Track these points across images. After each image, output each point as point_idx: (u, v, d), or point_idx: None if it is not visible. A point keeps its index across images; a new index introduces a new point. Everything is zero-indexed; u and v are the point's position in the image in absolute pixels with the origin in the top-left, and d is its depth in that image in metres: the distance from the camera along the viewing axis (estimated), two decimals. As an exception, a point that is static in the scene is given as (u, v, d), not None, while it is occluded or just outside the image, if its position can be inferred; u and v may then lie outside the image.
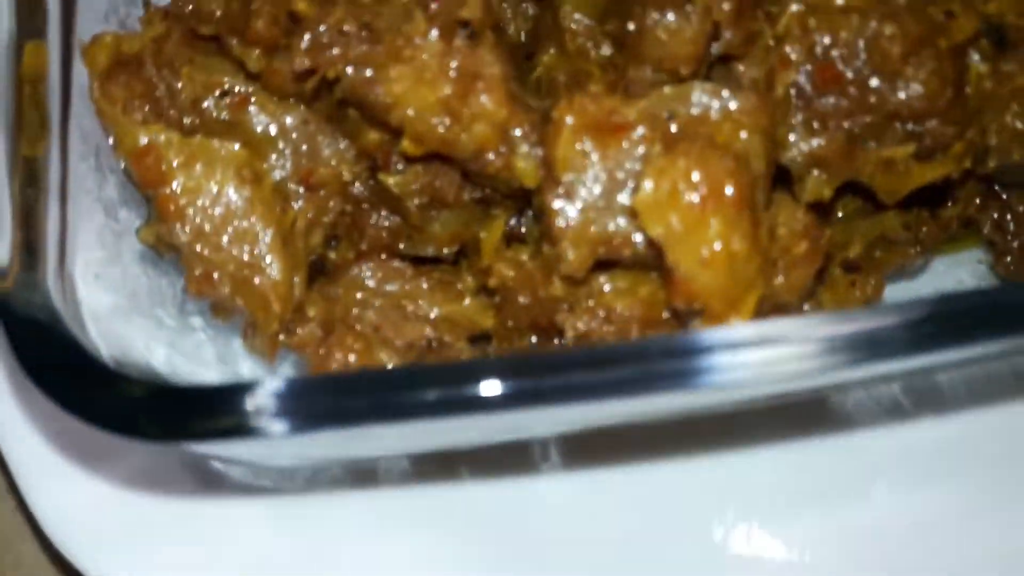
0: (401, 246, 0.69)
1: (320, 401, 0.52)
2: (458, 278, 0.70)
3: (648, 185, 0.57)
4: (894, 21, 0.60)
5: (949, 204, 0.73)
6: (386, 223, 0.68)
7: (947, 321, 0.51)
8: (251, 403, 0.52)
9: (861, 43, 0.60)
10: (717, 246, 0.56)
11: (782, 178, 0.63)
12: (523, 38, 0.69)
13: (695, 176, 0.56)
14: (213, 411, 0.51)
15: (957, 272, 0.77)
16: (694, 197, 0.56)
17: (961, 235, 0.76)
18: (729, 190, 0.56)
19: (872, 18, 0.60)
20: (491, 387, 0.51)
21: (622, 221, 0.60)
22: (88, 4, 0.67)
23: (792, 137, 0.62)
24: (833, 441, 0.72)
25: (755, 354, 0.50)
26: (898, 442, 0.72)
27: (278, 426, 0.52)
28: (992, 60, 0.64)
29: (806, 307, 0.67)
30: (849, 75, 0.60)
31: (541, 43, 0.67)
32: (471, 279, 0.69)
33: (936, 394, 0.73)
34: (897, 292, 0.74)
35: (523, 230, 0.69)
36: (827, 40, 0.61)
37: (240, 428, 0.51)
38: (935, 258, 0.76)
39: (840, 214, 0.71)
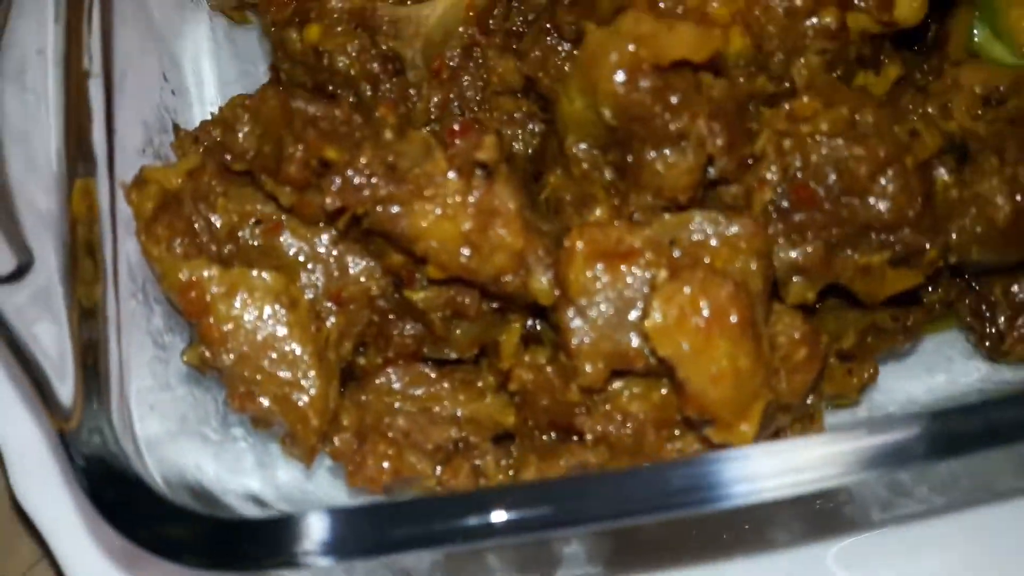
0: (425, 351, 0.74)
1: (362, 534, 0.57)
2: (479, 377, 0.75)
3: (657, 314, 0.62)
4: (861, 144, 0.65)
5: (931, 291, 0.78)
6: (411, 331, 0.73)
7: (949, 437, 0.56)
8: (299, 540, 0.57)
9: (830, 165, 0.65)
10: (724, 364, 0.62)
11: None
12: (530, 154, 0.75)
13: (700, 303, 0.62)
14: (262, 547, 0.56)
15: (945, 350, 0.82)
16: (700, 322, 0.62)
17: (943, 316, 0.81)
18: (733, 317, 0.61)
19: (841, 141, 0.65)
20: (518, 513, 0.56)
21: (634, 338, 0.65)
22: (125, 139, 0.71)
23: (775, 248, 0.67)
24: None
25: (772, 481, 0.55)
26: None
27: (323, 561, 0.57)
28: (955, 172, 0.70)
29: (809, 399, 0.72)
30: (822, 193, 0.66)
31: (548, 165, 0.72)
32: (492, 378, 0.74)
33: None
34: (887, 369, 0.79)
35: (538, 328, 0.74)
36: (799, 162, 0.66)
37: (288, 563, 0.56)
38: (925, 338, 0.82)
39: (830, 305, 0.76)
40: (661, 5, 0.66)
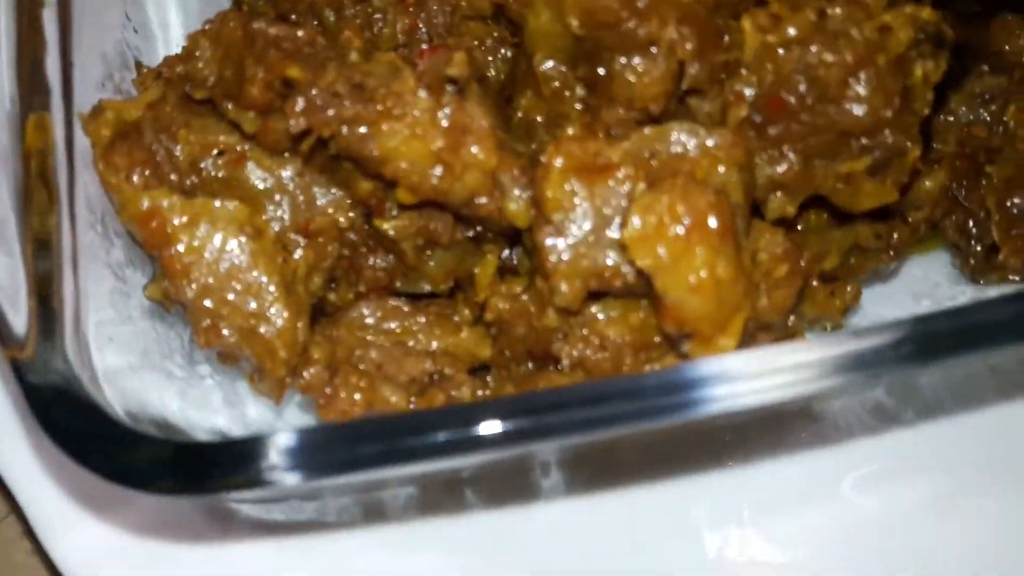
0: (398, 285, 0.72)
1: (330, 452, 0.55)
2: (455, 311, 0.73)
3: (636, 220, 0.60)
4: (830, 48, 0.63)
5: (917, 209, 0.76)
6: (383, 264, 0.71)
7: (926, 340, 0.54)
8: (264, 459, 0.55)
9: (801, 74, 0.63)
10: (703, 273, 0.60)
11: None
12: (502, 79, 0.72)
13: (679, 210, 0.60)
14: (228, 467, 0.54)
15: (932, 275, 0.80)
16: (679, 229, 0.60)
17: (929, 237, 0.80)
18: (712, 221, 0.60)
19: (810, 48, 0.63)
20: (492, 426, 0.54)
21: (612, 254, 0.63)
22: (84, 72, 0.69)
23: (755, 162, 0.66)
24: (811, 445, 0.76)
25: (750, 384, 0.54)
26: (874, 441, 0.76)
27: (290, 478, 0.55)
28: (935, 59, 0.67)
29: (790, 321, 0.71)
30: (795, 103, 0.64)
31: (519, 87, 0.70)
32: (468, 312, 0.72)
33: (915, 393, 0.77)
34: (872, 296, 0.78)
35: (515, 262, 0.72)
36: (772, 74, 0.64)
37: (254, 482, 0.54)
38: (909, 261, 0.80)
39: (813, 225, 0.74)
40: None
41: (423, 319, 0.71)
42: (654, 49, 0.63)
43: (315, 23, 0.73)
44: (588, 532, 0.73)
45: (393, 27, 0.74)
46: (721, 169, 0.62)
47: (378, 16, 0.74)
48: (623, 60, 0.63)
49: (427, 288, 0.72)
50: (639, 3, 0.62)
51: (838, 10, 0.65)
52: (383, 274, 0.71)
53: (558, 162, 0.62)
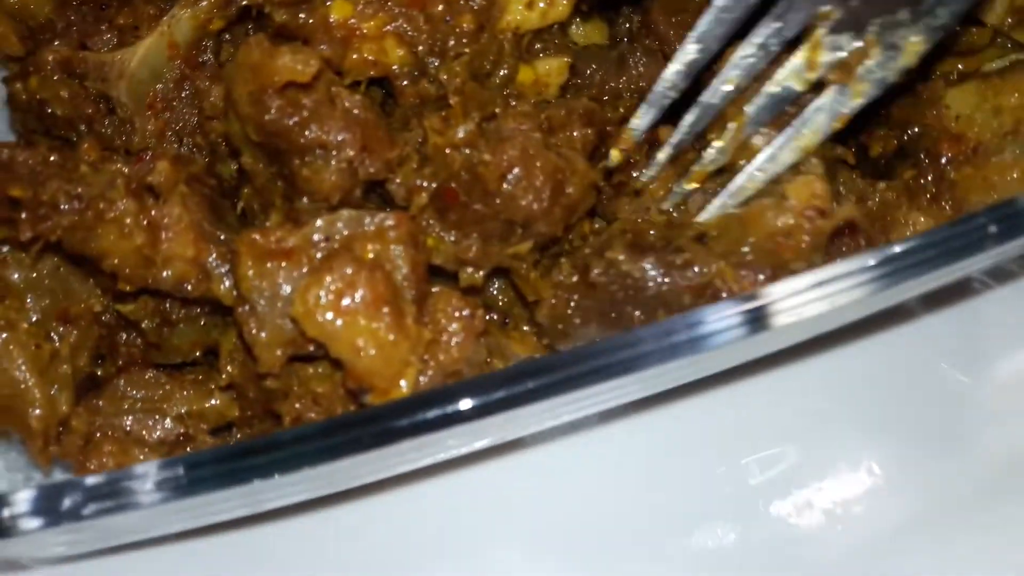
0: (152, 357, 0.83)
1: (61, 504, 0.65)
2: (210, 378, 0.84)
3: (300, 297, 0.70)
4: (489, 150, 0.74)
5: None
6: (137, 341, 0.82)
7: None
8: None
9: (466, 170, 0.74)
10: (362, 340, 0.70)
11: (442, 272, 0.78)
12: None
13: (338, 287, 0.70)
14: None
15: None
16: (338, 303, 0.70)
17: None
18: (367, 296, 0.70)
19: (473, 150, 0.74)
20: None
21: (295, 326, 0.73)
22: None
23: (440, 239, 0.76)
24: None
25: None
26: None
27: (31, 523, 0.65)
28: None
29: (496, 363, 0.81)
30: (463, 195, 0.74)
31: (242, 182, 0.81)
32: (221, 378, 0.83)
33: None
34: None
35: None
36: (444, 169, 0.75)
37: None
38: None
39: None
40: (303, 22, 0.75)
41: (177, 387, 0.82)
42: (322, 151, 0.73)
43: (74, 136, 0.84)
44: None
45: (142, 133, 0.85)
46: (388, 247, 0.73)
47: (127, 126, 0.85)
48: (297, 161, 0.74)
49: (179, 360, 0.82)
50: (301, 114, 0.73)
51: (506, 117, 0.76)
52: (136, 350, 0.82)
53: (243, 250, 0.73)
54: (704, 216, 0.77)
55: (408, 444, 0.65)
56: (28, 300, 0.80)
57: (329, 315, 0.70)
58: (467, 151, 0.74)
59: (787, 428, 0.89)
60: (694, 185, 0.79)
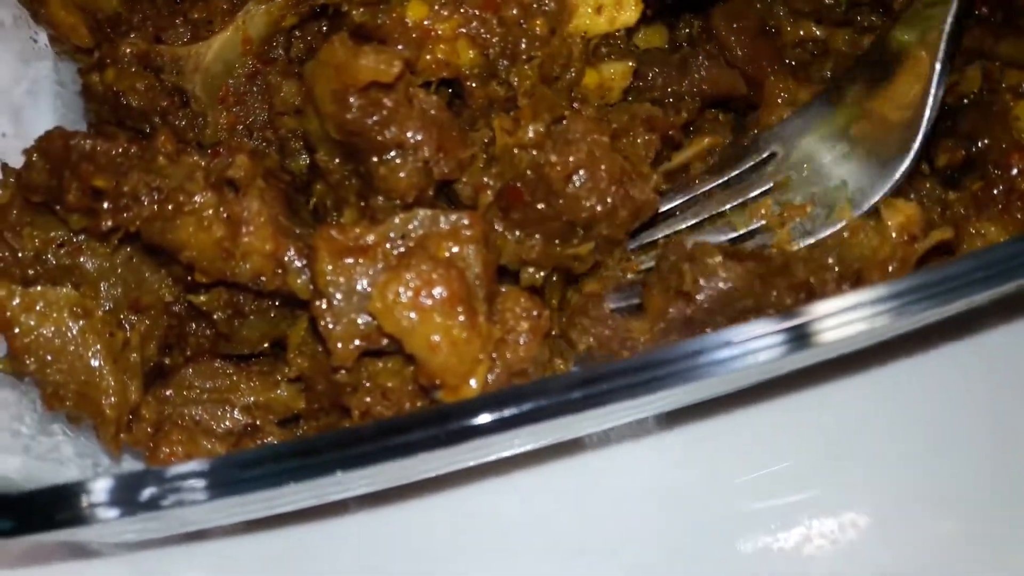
0: (221, 348, 0.84)
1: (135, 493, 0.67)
2: (277, 369, 0.85)
3: (380, 293, 0.72)
4: (556, 152, 0.74)
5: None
6: (207, 332, 0.84)
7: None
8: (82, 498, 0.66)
9: (533, 170, 0.75)
10: (438, 336, 0.71)
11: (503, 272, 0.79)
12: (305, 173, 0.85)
13: (413, 283, 0.71)
14: (39, 512, 0.66)
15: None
16: (414, 300, 0.71)
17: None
18: (440, 289, 0.71)
19: (540, 151, 0.75)
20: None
21: (372, 321, 0.74)
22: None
23: (505, 240, 0.78)
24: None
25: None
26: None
27: (109, 512, 0.66)
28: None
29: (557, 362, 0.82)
30: (528, 195, 0.75)
31: (314, 178, 0.82)
32: (288, 369, 0.84)
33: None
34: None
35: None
36: (511, 168, 0.76)
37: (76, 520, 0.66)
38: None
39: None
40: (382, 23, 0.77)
41: (244, 376, 0.83)
42: (399, 150, 0.74)
43: (136, 131, 0.86)
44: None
45: (215, 126, 0.86)
46: (461, 246, 0.74)
47: (201, 118, 0.86)
48: (375, 159, 0.75)
49: (246, 351, 0.84)
50: (381, 113, 0.74)
51: (574, 120, 0.77)
52: (205, 340, 0.83)
53: (321, 245, 0.74)
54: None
55: (485, 440, 0.66)
56: (102, 288, 0.81)
57: (407, 311, 0.71)
58: (534, 152, 0.75)
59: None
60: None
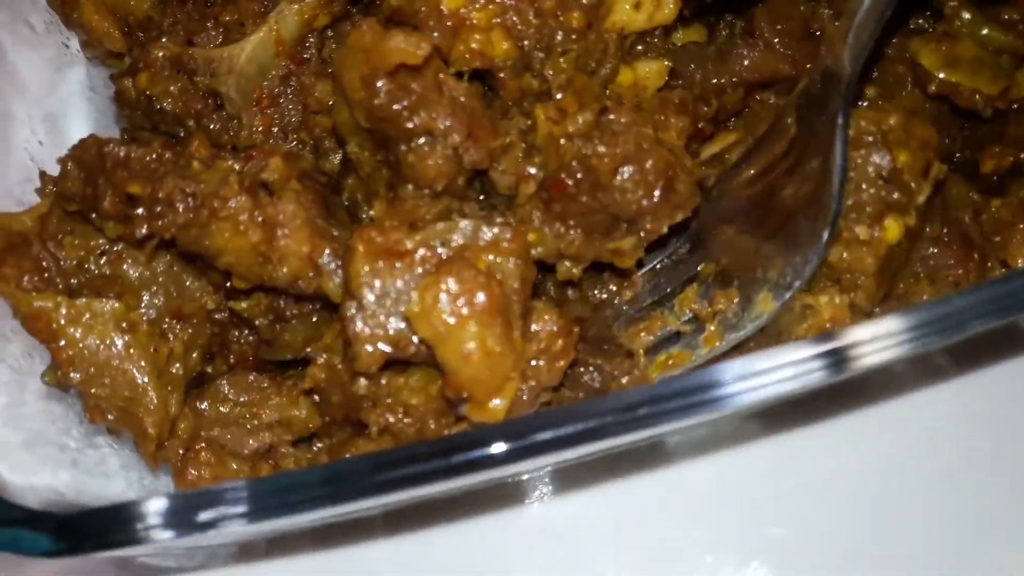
0: (263, 355, 0.82)
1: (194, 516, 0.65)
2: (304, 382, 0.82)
3: (415, 298, 0.69)
4: (604, 143, 0.72)
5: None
6: (249, 338, 0.82)
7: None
8: (124, 522, 0.65)
9: (579, 162, 0.72)
10: (473, 346, 0.68)
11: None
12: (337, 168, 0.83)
13: (455, 291, 0.69)
14: (94, 532, 0.65)
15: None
16: (453, 307, 0.69)
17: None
18: (481, 298, 0.68)
19: (587, 142, 0.72)
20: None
21: (403, 326, 0.71)
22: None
23: (544, 232, 0.75)
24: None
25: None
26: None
27: (162, 534, 0.65)
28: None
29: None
30: (572, 186, 0.73)
31: (346, 173, 0.81)
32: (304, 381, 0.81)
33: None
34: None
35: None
36: (556, 159, 0.73)
37: (110, 543, 0.64)
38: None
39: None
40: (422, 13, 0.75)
41: (275, 390, 0.81)
42: (428, 137, 0.72)
43: (170, 136, 0.84)
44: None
45: (249, 128, 0.85)
46: (498, 259, 0.71)
47: (235, 121, 0.85)
48: (404, 147, 0.73)
49: (289, 356, 0.82)
50: (410, 99, 0.72)
51: (619, 111, 0.74)
52: (247, 347, 0.82)
53: (360, 247, 0.72)
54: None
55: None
56: (144, 297, 0.81)
57: (445, 317, 0.69)
58: (580, 142, 0.73)
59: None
60: None
